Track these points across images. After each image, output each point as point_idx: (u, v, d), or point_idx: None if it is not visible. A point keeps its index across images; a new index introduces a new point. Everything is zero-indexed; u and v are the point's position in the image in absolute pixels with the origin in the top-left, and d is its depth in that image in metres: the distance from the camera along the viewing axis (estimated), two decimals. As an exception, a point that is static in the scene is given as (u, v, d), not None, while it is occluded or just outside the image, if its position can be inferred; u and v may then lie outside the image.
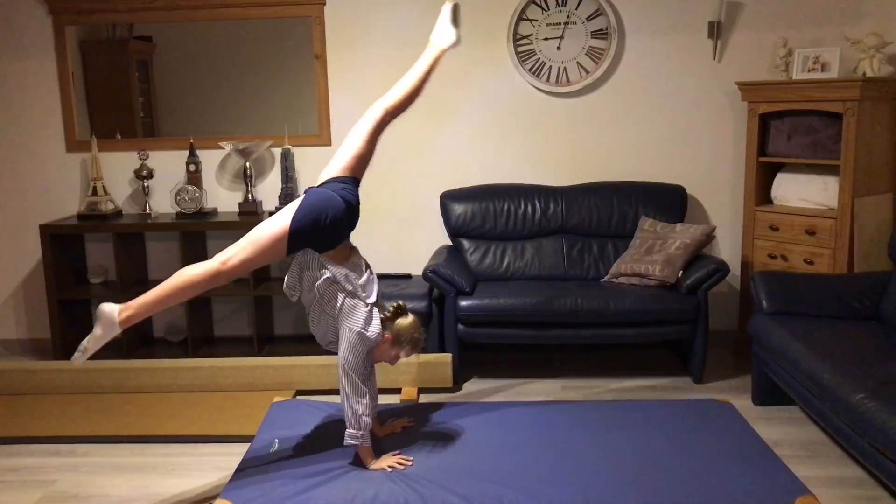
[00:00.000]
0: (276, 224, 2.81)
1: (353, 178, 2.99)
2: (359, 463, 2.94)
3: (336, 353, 2.91)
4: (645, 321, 4.05)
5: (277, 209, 4.61)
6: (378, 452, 2.98)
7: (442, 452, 3.07)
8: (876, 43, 4.02)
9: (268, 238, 2.81)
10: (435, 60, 3.15)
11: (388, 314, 2.93)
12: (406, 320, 2.94)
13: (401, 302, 2.99)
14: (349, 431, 2.88)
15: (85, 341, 2.82)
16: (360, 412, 2.87)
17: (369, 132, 3.04)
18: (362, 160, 3.03)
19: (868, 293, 3.73)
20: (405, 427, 3.29)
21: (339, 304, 2.85)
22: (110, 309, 2.85)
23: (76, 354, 2.83)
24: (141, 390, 4.09)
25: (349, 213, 2.87)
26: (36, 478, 3.26)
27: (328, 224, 2.80)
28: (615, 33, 4.55)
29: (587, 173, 4.71)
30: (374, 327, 2.88)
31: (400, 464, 2.92)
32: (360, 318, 2.84)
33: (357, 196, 2.95)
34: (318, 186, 2.93)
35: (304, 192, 2.91)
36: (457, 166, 4.77)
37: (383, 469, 2.88)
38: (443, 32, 3.21)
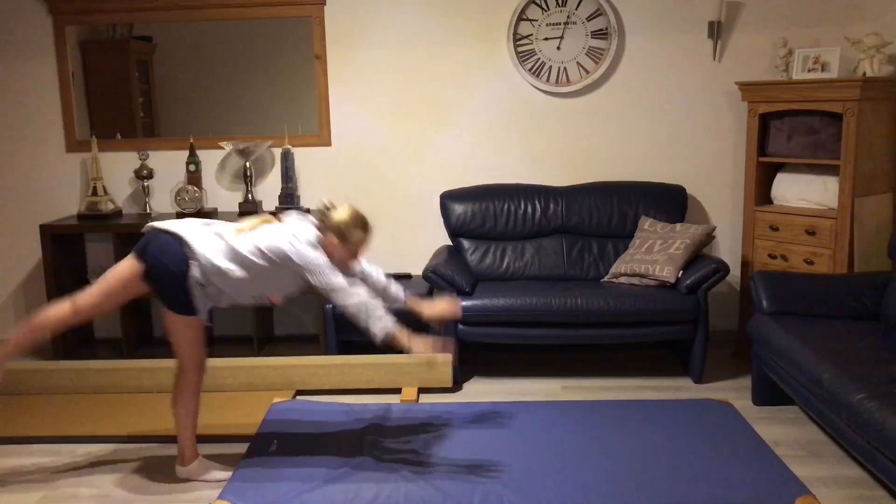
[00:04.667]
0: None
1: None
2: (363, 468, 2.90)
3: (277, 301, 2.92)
4: (645, 321, 4.04)
5: (277, 209, 4.65)
6: (386, 452, 2.96)
7: (441, 452, 3.07)
8: (876, 43, 4.02)
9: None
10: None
11: (320, 218, 2.86)
12: (338, 212, 2.87)
13: (326, 200, 2.91)
14: (377, 325, 2.77)
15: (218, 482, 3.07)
16: (373, 308, 2.76)
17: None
18: None
19: (868, 293, 3.73)
20: (452, 311, 3.16)
21: (275, 257, 2.80)
22: (180, 473, 3.15)
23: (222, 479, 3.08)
24: (141, 390, 4.09)
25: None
26: (36, 478, 3.26)
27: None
28: (615, 33, 4.55)
29: (587, 173, 4.71)
30: (310, 236, 2.82)
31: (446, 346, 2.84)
32: (296, 243, 2.78)
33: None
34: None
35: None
36: (457, 166, 4.77)
37: (427, 349, 2.79)
38: None
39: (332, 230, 2.86)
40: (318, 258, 2.79)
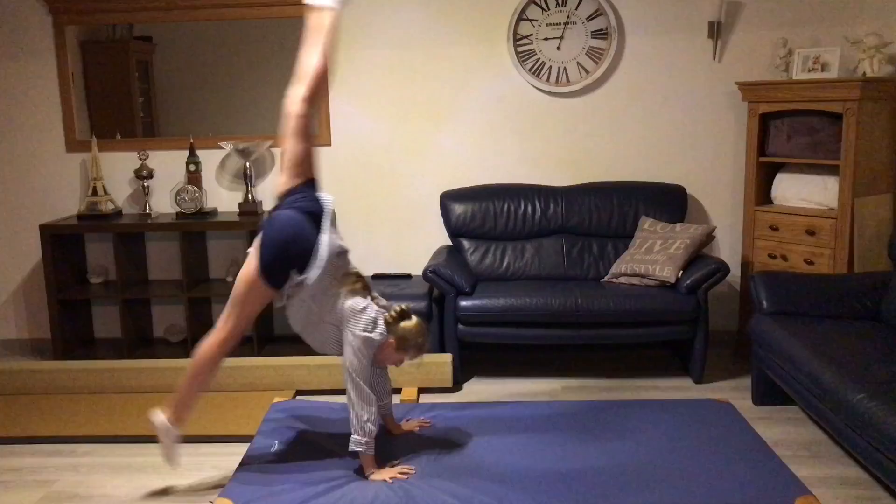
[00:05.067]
0: (248, 273, 2.81)
1: (307, 181, 2.89)
2: (362, 472, 2.92)
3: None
4: (645, 321, 4.04)
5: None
6: (386, 452, 2.97)
7: (441, 452, 3.07)
8: (876, 43, 4.02)
9: (245, 289, 2.82)
10: (332, 25, 2.92)
11: (392, 317, 2.87)
12: (410, 323, 2.88)
13: (405, 305, 2.93)
14: (354, 437, 2.83)
15: (163, 458, 3.08)
16: (365, 419, 2.81)
17: (296, 130, 2.86)
18: (304, 160, 2.88)
19: (868, 293, 3.73)
20: (421, 426, 3.27)
21: (340, 309, 2.83)
22: (156, 418, 3.05)
23: (171, 466, 3.13)
24: (141, 390, 4.09)
25: (315, 223, 2.81)
26: (36, 478, 3.26)
27: (297, 247, 2.77)
28: (615, 33, 4.55)
29: (587, 173, 4.71)
30: (379, 330, 2.84)
31: (403, 474, 2.86)
32: (363, 323, 2.81)
33: (316, 200, 2.85)
34: (274, 209, 2.87)
35: (263, 223, 2.87)
36: (457, 166, 4.77)
37: (384, 480, 2.83)
38: None
39: (395, 335, 2.87)
40: (367, 352, 2.82)
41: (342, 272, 2.89)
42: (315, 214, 2.82)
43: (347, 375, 2.81)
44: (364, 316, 2.81)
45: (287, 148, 2.87)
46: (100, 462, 3.39)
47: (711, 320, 4.18)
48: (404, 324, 2.87)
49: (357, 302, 2.83)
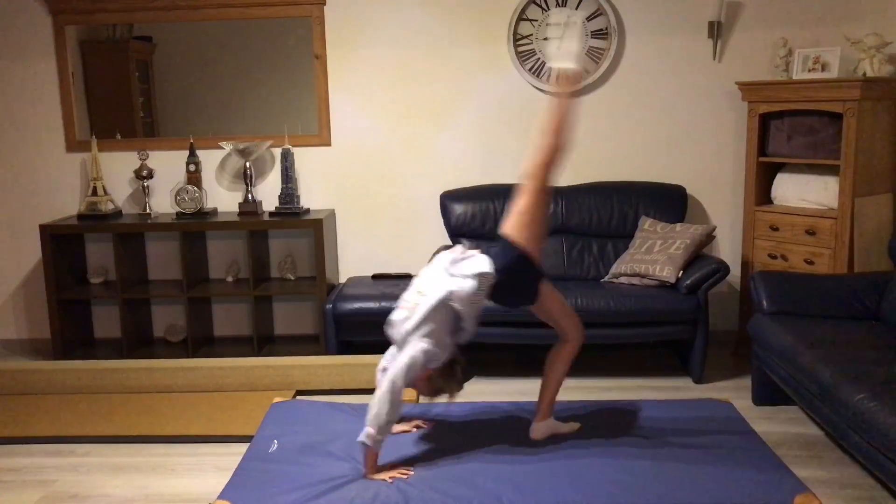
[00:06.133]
0: (548, 298, 3.08)
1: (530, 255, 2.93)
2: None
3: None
4: (645, 321, 4.04)
5: (277, 209, 4.65)
6: (385, 452, 2.96)
7: (441, 452, 3.07)
8: (876, 43, 4.02)
9: (551, 298, 3.07)
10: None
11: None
12: (450, 371, 2.98)
13: (462, 360, 3.05)
14: (368, 430, 2.80)
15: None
16: (386, 420, 2.80)
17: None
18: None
19: (868, 293, 3.73)
20: (418, 427, 3.27)
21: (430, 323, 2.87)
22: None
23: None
24: (141, 390, 4.09)
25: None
26: (36, 478, 3.26)
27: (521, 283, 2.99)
28: (615, 33, 4.55)
29: (587, 173, 4.71)
30: (435, 355, 2.88)
31: (402, 474, 2.86)
32: (432, 347, 2.85)
33: (502, 266, 2.91)
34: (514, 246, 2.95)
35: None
36: (457, 166, 4.77)
37: (383, 480, 2.82)
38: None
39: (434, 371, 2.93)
40: (419, 366, 2.85)
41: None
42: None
43: (391, 376, 2.80)
44: (425, 341, 2.86)
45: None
46: (100, 462, 3.39)
47: (711, 320, 4.18)
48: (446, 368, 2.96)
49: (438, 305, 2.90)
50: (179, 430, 3.63)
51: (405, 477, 2.86)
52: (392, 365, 2.87)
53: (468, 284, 2.86)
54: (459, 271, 2.90)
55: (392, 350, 3.03)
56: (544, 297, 3.03)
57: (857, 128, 3.87)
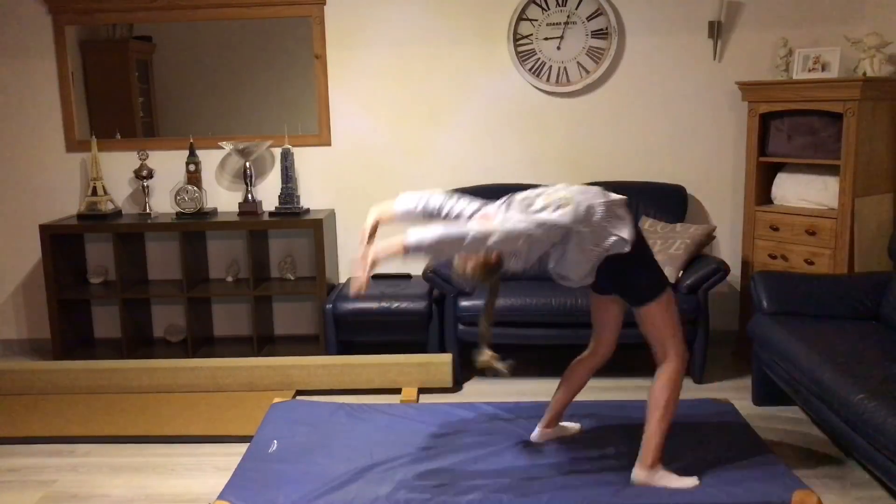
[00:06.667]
0: (652, 312, 2.93)
1: None
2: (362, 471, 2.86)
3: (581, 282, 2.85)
4: (645, 321, 4.04)
5: (277, 209, 4.65)
6: (384, 452, 2.96)
7: (441, 453, 3.07)
8: (876, 43, 4.02)
9: (662, 315, 2.91)
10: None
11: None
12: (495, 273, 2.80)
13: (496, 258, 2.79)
14: (412, 234, 2.59)
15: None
16: (430, 241, 2.57)
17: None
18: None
19: (868, 293, 3.73)
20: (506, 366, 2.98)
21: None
22: (638, 478, 2.83)
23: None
24: (141, 390, 4.09)
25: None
26: (36, 478, 3.26)
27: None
28: (615, 33, 4.55)
29: (587, 173, 4.71)
30: (525, 248, 2.67)
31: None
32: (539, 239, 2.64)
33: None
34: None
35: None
36: (457, 166, 4.77)
37: (357, 278, 2.63)
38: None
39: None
40: (517, 234, 2.63)
41: None
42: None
43: (482, 227, 2.59)
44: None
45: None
46: (100, 462, 3.39)
47: (711, 320, 4.17)
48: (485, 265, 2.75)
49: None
50: (179, 430, 3.63)
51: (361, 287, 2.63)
52: (497, 214, 2.69)
53: (610, 236, 2.72)
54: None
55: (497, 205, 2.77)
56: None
57: (857, 128, 3.87)
